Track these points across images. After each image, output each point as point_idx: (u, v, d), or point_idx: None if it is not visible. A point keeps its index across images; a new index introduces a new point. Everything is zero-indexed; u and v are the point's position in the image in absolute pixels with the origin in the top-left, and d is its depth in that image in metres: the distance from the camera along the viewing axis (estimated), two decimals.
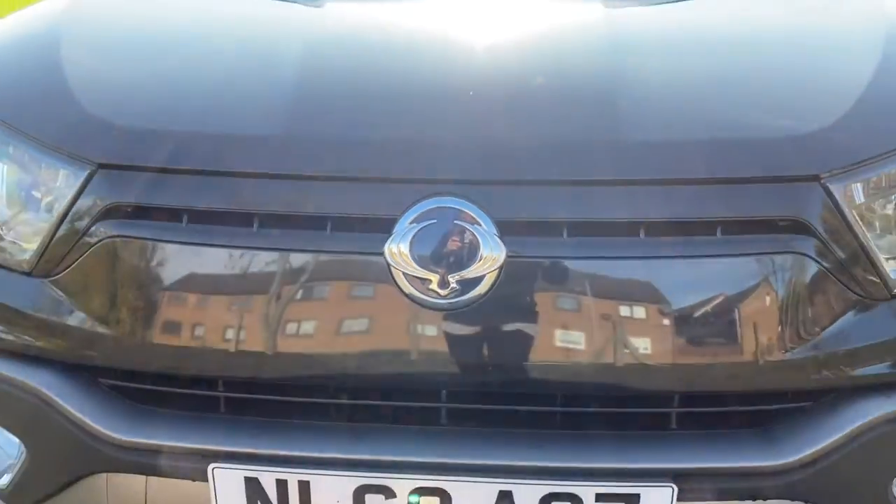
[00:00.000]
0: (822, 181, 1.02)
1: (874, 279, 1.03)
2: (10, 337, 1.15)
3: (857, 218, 1.03)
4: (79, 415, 1.09)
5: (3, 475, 1.23)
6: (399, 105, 1.14)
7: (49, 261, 1.11)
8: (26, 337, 1.14)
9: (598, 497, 1.01)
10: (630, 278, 1.02)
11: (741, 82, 1.20)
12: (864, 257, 1.03)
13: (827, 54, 1.28)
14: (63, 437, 1.12)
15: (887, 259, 1.04)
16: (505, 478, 1.02)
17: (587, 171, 1.05)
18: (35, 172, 1.14)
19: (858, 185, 1.03)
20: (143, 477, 1.11)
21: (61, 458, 1.14)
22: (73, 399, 1.10)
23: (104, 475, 1.13)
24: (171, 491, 1.11)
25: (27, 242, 1.13)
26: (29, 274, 1.12)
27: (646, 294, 1.02)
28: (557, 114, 1.11)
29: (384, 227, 1.00)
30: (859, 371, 1.05)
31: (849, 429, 1.03)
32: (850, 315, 1.04)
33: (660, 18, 1.44)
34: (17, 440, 1.19)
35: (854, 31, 1.35)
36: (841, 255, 1.02)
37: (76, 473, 1.14)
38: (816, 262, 1.02)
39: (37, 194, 1.14)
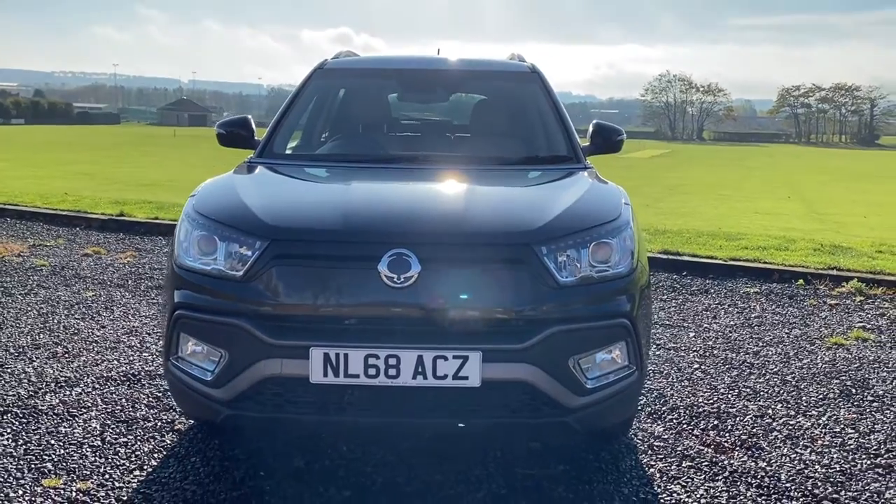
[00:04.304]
0: (531, 246, 2.87)
1: (552, 281, 2.85)
2: (229, 305, 2.86)
3: (546, 258, 2.86)
4: (258, 332, 2.78)
5: (207, 374, 2.93)
6: (387, 216, 3.02)
7: (249, 274, 2.85)
8: (236, 304, 2.85)
9: (454, 357, 2.74)
10: (463, 278, 2.81)
11: (511, 211, 3.14)
12: (546, 273, 2.85)
13: (549, 201, 3.20)
14: (248, 344, 2.79)
15: (558, 271, 2.86)
16: (419, 351, 2.74)
17: (447, 239, 2.87)
18: (240, 243, 2.90)
19: (544, 247, 2.87)
20: (280, 358, 2.79)
21: (244, 355, 2.81)
22: (256, 326, 2.79)
23: (262, 361, 2.81)
24: (291, 365, 2.79)
25: (238, 271, 2.87)
26: (239, 281, 2.88)
27: (467, 282, 2.81)
28: (437, 219, 2.99)
29: (377, 259, 2.78)
30: (550, 314, 2.83)
31: (544, 333, 2.79)
32: (542, 294, 2.82)
33: (489, 184, 3.49)
34: (220, 351, 2.88)
35: (566, 193, 3.32)
36: (541, 271, 2.85)
37: (251, 361, 2.80)
38: (530, 273, 2.84)
39: (240, 252, 2.89)
